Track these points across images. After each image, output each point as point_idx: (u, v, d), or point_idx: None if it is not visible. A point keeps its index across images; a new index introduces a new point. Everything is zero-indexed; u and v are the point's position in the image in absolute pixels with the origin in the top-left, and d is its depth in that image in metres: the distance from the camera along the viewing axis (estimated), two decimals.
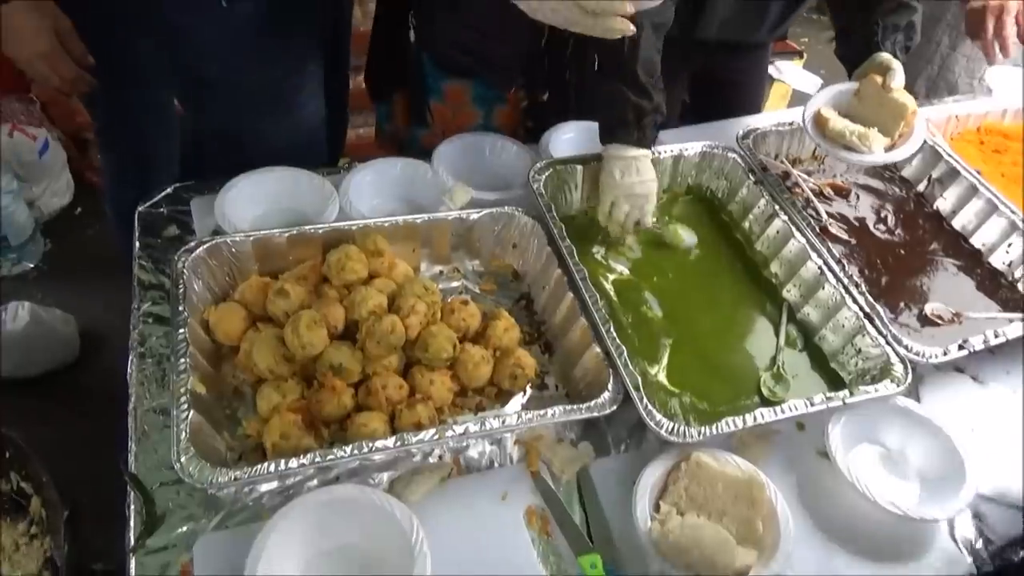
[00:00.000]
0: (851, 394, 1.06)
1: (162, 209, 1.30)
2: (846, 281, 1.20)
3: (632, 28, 1.00)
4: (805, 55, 3.48)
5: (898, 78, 1.31)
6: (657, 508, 0.98)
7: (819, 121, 1.35)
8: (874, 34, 1.35)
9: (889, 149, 1.32)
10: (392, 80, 1.68)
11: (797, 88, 3.41)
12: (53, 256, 2.37)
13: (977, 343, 1.15)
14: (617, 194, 1.26)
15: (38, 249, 2.31)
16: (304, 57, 1.51)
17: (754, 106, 1.92)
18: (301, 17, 1.45)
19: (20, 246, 2.21)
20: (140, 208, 1.29)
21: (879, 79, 1.32)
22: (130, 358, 1.09)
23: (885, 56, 1.33)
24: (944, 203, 1.47)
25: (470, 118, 1.62)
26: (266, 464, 0.90)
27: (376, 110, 1.82)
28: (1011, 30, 1.49)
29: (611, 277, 1.28)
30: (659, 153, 1.38)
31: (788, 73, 3.45)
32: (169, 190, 1.33)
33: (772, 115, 1.68)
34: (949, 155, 1.46)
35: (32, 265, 2.29)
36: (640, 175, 1.25)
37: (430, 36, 1.56)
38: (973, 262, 1.39)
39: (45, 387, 2.04)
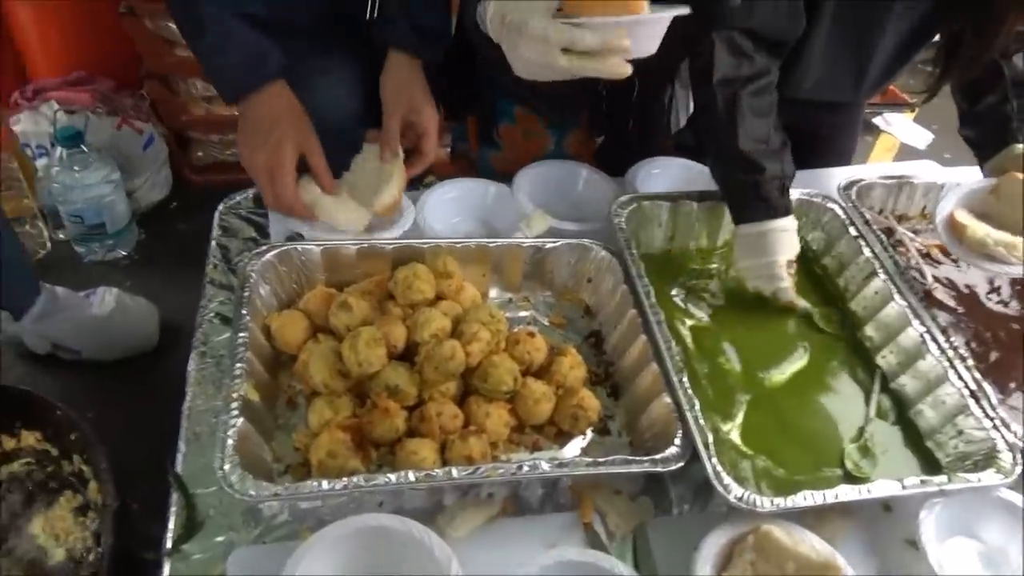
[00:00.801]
0: (949, 480, 0.95)
1: (241, 210, 1.31)
2: (951, 353, 1.09)
3: (629, 69, 0.90)
4: (916, 109, 3.31)
5: None
6: None
7: (954, 226, 1.21)
8: (1008, 119, 1.22)
9: None
10: (463, 102, 1.67)
11: (906, 142, 3.24)
12: (145, 247, 2.45)
13: None
14: (745, 275, 1.21)
15: (132, 238, 2.39)
16: (330, 41, 1.44)
17: (842, 161, 1.82)
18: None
19: (116, 234, 2.29)
20: (220, 207, 1.31)
21: (1022, 177, 1.19)
22: (191, 356, 1.09)
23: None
24: None
25: (542, 142, 1.58)
26: (309, 483, 0.86)
27: (452, 130, 1.82)
28: None
29: (688, 323, 1.20)
30: None
31: (897, 126, 3.28)
32: (250, 193, 1.34)
33: (878, 167, 1.58)
34: None
35: (124, 253, 2.37)
36: (766, 252, 1.17)
37: (491, 70, 1.53)
38: None
39: (120, 373, 2.09)
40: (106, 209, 2.20)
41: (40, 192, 2.28)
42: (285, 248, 1.11)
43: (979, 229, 1.19)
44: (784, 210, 1.16)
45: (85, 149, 2.08)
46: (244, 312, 1.02)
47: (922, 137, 3.28)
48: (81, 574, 1.24)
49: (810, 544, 0.91)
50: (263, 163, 1.16)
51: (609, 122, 1.55)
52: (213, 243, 1.24)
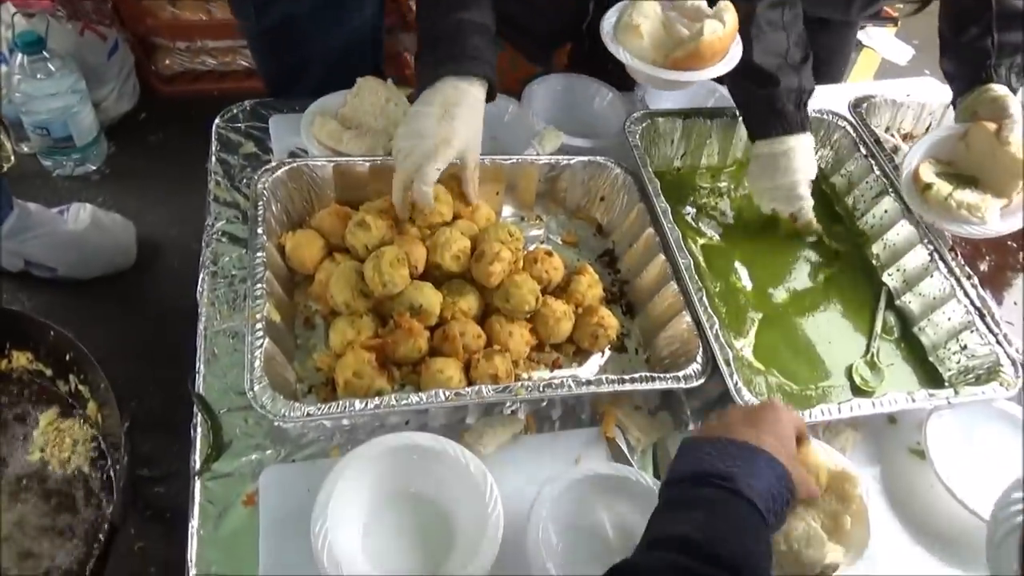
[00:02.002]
0: (956, 393, 0.99)
1: (239, 124, 1.25)
2: (958, 272, 1.11)
3: None
4: (899, 23, 3.28)
5: (1017, 129, 1.12)
6: None
7: (918, 183, 1.16)
8: (987, 54, 1.17)
9: (1005, 210, 1.14)
10: None
11: (887, 58, 3.23)
12: (116, 160, 2.34)
13: None
14: (760, 195, 1.19)
15: (102, 152, 2.29)
16: None
17: (835, 81, 1.81)
18: None
19: (84, 147, 2.19)
20: (218, 121, 1.25)
21: (992, 127, 1.13)
22: (201, 276, 1.06)
23: (999, 92, 1.15)
24: None
25: (531, 70, 1.51)
26: (340, 403, 0.86)
27: None
28: None
29: (700, 241, 1.21)
30: None
31: (878, 40, 3.26)
32: (247, 105, 1.28)
33: (882, 84, 1.56)
34: None
35: (95, 168, 2.27)
36: (785, 173, 1.15)
37: None
38: None
39: (99, 291, 2.03)
40: (72, 121, 2.09)
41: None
42: (296, 164, 1.07)
43: (943, 188, 1.15)
44: (800, 125, 1.15)
45: (47, 56, 1.96)
46: (260, 231, 0.99)
47: (903, 53, 3.27)
48: (91, 495, 1.24)
49: (828, 455, 0.95)
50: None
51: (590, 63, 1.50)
52: (213, 159, 1.19)
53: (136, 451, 1.40)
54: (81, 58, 2.16)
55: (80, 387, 1.35)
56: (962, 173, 1.18)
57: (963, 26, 1.21)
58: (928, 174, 1.17)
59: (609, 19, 1.13)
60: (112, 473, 1.24)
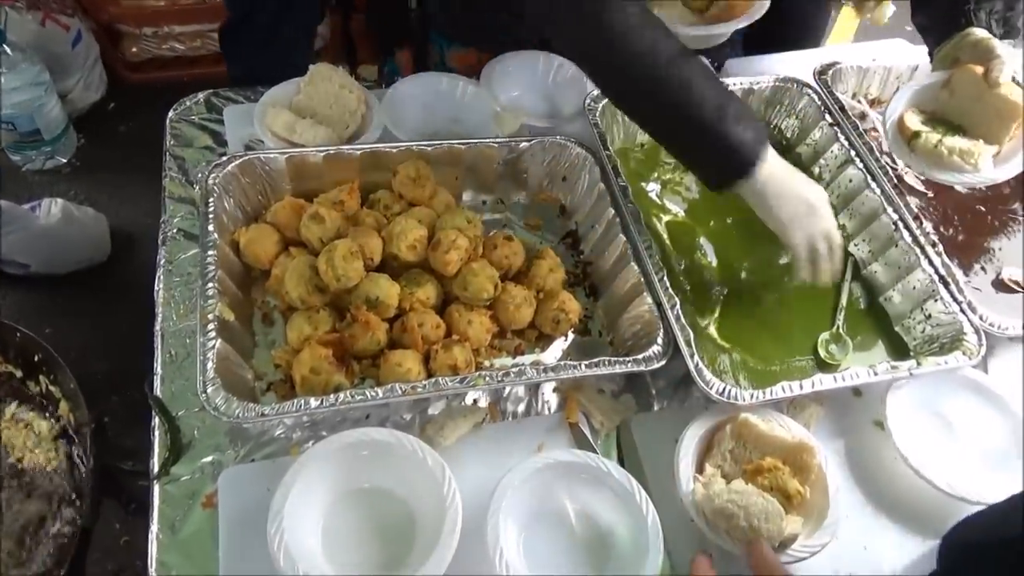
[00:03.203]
0: (919, 364, 0.99)
1: (193, 117, 1.23)
2: (923, 241, 1.10)
3: None
4: None
5: (1006, 68, 1.06)
6: (700, 469, 0.93)
7: (904, 132, 1.11)
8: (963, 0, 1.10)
9: (996, 158, 1.10)
10: (395, 38, 1.59)
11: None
12: (85, 152, 2.32)
13: None
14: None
15: (71, 144, 2.26)
16: None
17: (813, 38, 1.77)
18: None
19: (53, 140, 2.16)
20: (171, 115, 1.22)
21: (979, 70, 1.08)
22: (157, 275, 1.05)
23: (981, 34, 1.09)
24: None
25: None
26: (295, 402, 0.86)
27: (383, 63, 1.76)
28: None
29: (665, 219, 1.19)
30: (729, 85, 1.26)
31: None
32: (200, 97, 1.25)
33: (850, 48, 1.53)
34: None
35: (65, 160, 2.24)
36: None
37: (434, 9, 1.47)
38: None
39: (74, 286, 2.03)
40: (39, 114, 2.06)
41: None
42: (247, 158, 1.05)
43: (932, 136, 1.11)
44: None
45: (8, 49, 1.92)
46: (211, 228, 0.97)
47: (884, 10, 3.21)
48: (64, 496, 1.24)
49: (785, 428, 0.95)
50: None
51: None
52: (167, 154, 1.17)
53: (119, 445, 1.40)
54: (44, 49, 2.12)
55: (51, 388, 1.35)
56: (948, 122, 1.14)
57: None
58: (914, 122, 1.13)
59: None
60: (83, 473, 1.24)
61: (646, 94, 0.93)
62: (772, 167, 0.95)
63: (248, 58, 1.66)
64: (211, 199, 1.00)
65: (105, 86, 2.42)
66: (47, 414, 1.34)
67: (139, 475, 1.73)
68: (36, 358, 1.33)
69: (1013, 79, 1.08)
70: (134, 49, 2.43)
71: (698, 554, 0.85)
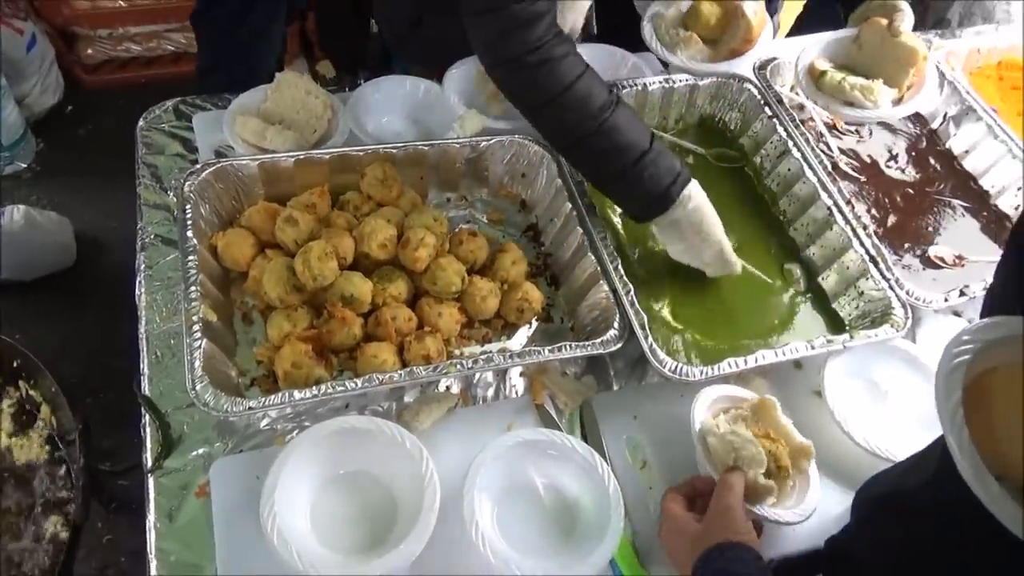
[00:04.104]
0: (851, 337, 1.08)
1: (163, 125, 1.27)
2: (854, 223, 1.20)
3: None
4: None
5: (907, 20, 1.20)
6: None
7: (812, 73, 1.25)
8: None
9: (897, 102, 1.24)
10: (354, 62, 1.63)
11: None
12: (45, 156, 2.32)
13: (977, 289, 1.16)
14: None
15: (30, 149, 2.26)
16: None
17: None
18: None
19: (11, 146, 2.16)
20: (141, 123, 1.26)
21: (884, 22, 1.22)
22: (138, 280, 1.09)
23: None
24: (957, 142, 1.45)
25: None
26: (280, 395, 0.92)
27: (345, 80, 1.80)
28: None
29: (618, 211, 1.27)
30: (673, 82, 1.35)
31: None
32: (169, 105, 1.29)
33: (790, 43, 1.61)
34: (968, 92, 1.43)
35: (25, 165, 2.24)
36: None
37: (394, 38, 1.52)
38: (980, 204, 1.38)
39: (42, 291, 2.04)
40: None
41: None
42: (221, 164, 1.10)
43: (836, 75, 1.25)
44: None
45: None
46: (189, 235, 1.02)
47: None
48: (53, 496, 1.27)
49: (792, 433, 1.01)
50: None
51: None
52: (139, 162, 1.21)
53: (97, 447, 1.44)
54: None
55: (31, 392, 1.38)
56: (856, 72, 1.29)
57: None
58: (823, 63, 1.28)
59: (649, 34, 1.31)
60: (71, 474, 1.28)
61: (577, 141, 1.05)
62: (686, 206, 1.08)
63: (221, 36, 1.70)
64: (188, 206, 1.05)
65: (62, 89, 2.42)
66: (30, 419, 1.37)
67: (119, 475, 1.77)
68: (15, 364, 1.36)
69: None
70: (90, 51, 2.43)
71: (668, 490, 0.93)
